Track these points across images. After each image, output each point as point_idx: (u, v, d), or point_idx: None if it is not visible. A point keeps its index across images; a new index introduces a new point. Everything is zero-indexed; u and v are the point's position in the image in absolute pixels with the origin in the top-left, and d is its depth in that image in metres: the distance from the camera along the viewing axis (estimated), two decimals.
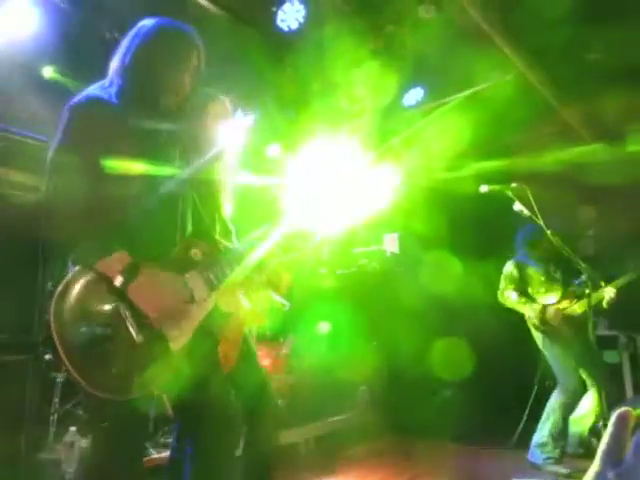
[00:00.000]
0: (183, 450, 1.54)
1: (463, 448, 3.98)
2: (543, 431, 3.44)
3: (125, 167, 1.40)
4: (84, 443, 2.60)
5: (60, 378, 3.26)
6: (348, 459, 3.75)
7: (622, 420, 0.44)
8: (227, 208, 1.87)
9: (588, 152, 5.34)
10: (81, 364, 1.23)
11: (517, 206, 3.28)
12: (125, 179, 1.40)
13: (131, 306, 1.30)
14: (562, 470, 3.25)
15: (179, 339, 1.36)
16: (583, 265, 3.11)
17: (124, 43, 1.60)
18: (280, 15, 3.76)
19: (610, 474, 0.43)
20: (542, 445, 3.42)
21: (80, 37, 3.76)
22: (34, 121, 3.33)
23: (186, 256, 1.45)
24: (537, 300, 3.69)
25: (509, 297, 3.74)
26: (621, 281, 3.66)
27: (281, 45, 4.02)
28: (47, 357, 2.56)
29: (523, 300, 3.68)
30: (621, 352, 4.75)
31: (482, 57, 4.06)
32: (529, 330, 3.68)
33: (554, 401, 3.48)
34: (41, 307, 2.19)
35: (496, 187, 3.26)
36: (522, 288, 3.75)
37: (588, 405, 3.65)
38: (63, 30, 3.69)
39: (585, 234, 5.55)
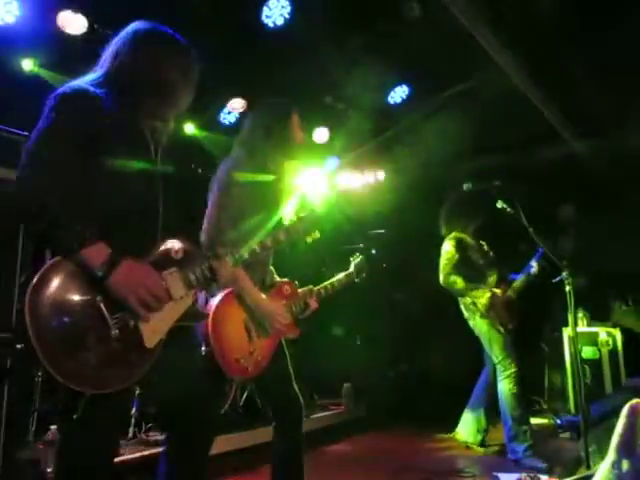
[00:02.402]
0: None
1: (447, 442, 4.02)
2: (507, 425, 3.46)
3: (108, 162, 1.39)
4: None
5: (40, 377, 3.23)
6: (332, 455, 3.77)
7: (635, 412, 0.46)
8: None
9: (570, 151, 5.41)
10: (55, 356, 1.22)
11: (500, 204, 3.33)
12: (108, 174, 1.39)
13: (108, 300, 1.29)
14: (540, 465, 3.26)
15: (154, 336, 1.36)
16: (563, 262, 3.15)
17: (119, 43, 1.56)
18: (265, 11, 3.74)
19: (625, 463, 0.44)
20: (514, 438, 3.43)
21: (62, 30, 3.70)
22: (15, 115, 3.28)
23: (167, 254, 1.45)
24: (478, 284, 3.67)
25: (455, 282, 3.63)
26: (520, 282, 3.73)
27: (266, 41, 4.00)
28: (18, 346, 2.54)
29: (471, 286, 3.64)
30: (600, 348, 4.83)
31: (468, 56, 4.10)
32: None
33: (503, 391, 3.49)
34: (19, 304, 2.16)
35: (479, 185, 3.29)
36: (462, 270, 3.66)
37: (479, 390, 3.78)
38: (45, 22, 3.63)
39: (565, 232, 5.63)
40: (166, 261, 1.44)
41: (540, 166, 5.55)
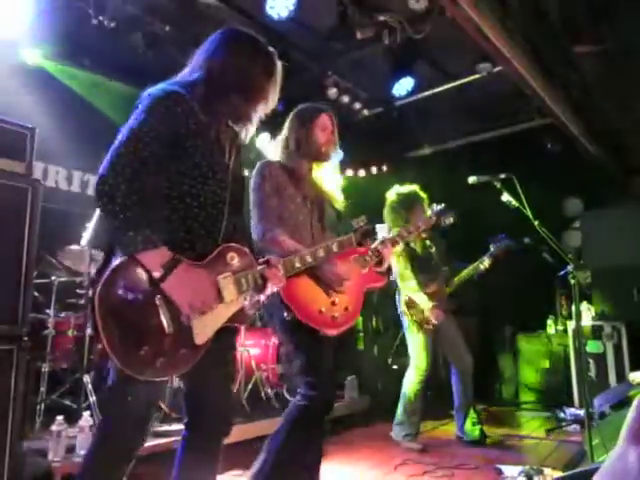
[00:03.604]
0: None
1: (450, 434, 4.03)
2: (399, 410, 3.80)
3: (188, 163, 1.50)
4: (70, 432, 2.61)
5: (46, 368, 3.27)
6: (338, 446, 3.79)
7: None
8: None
9: (577, 144, 5.37)
10: (117, 345, 1.36)
11: (505, 196, 3.31)
12: (185, 175, 1.49)
13: (166, 299, 1.41)
14: (416, 446, 3.66)
15: (204, 334, 1.48)
16: (569, 256, 3.14)
17: (210, 46, 1.61)
18: (269, 2, 3.71)
19: (632, 453, 0.45)
20: (399, 423, 3.79)
21: (67, 21, 3.69)
22: (15, 107, 3.28)
23: (223, 259, 1.55)
24: (417, 279, 3.78)
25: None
26: (460, 279, 3.90)
27: (270, 33, 3.97)
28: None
29: (402, 285, 3.77)
30: (605, 342, 4.82)
31: (473, 48, 4.05)
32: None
33: (407, 382, 3.79)
34: (25, 296, 2.17)
35: (484, 178, 3.27)
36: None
37: (456, 390, 3.87)
38: (50, 14, 3.63)
39: (571, 226, 5.60)
40: (221, 265, 1.53)
41: (545, 159, 5.52)
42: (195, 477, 1.61)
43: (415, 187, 3.92)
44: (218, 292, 1.50)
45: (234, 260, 1.56)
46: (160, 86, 1.51)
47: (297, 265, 1.77)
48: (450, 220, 2.59)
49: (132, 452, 1.50)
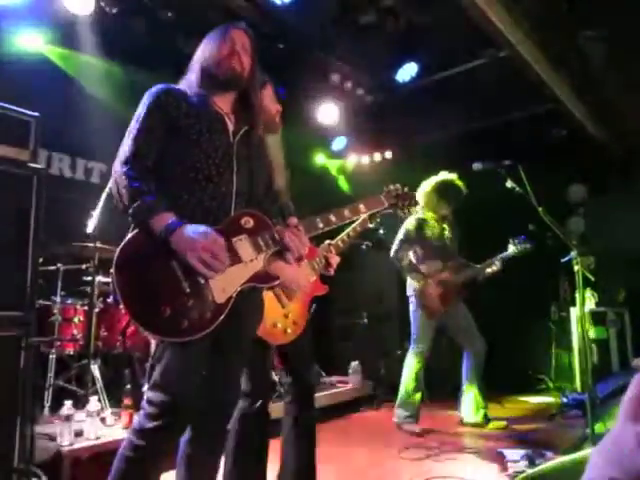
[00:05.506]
0: None
1: (453, 419, 4.07)
2: (400, 392, 3.82)
3: (187, 141, 1.58)
4: (79, 417, 2.64)
5: (53, 354, 3.31)
6: (339, 431, 3.83)
7: None
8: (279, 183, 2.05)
9: (582, 130, 5.33)
10: (137, 309, 1.43)
11: (509, 183, 3.29)
12: (188, 151, 1.58)
13: (182, 262, 1.46)
14: (417, 428, 3.71)
15: (224, 293, 1.51)
16: (574, 242, 3.13)
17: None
18: None
19: (629, 430, 0.45)
20: (400, 405, 3.82)
21: (69, 7, 3.66)
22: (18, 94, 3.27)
23: (237, 223, 1.59)
24: (425, 263, 3.84)
25: (402, 259, 3.83)
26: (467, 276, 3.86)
27: (273, 19, 3.94)
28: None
29: (412, 267, 3.84)
30: (609, 328, 4.83)
31: (477, 33, 4.01)
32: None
33: (407, 364, 3.83)
34: (32, 283, 2.19)
35: (489, 164, 3.26)
36: (415, 247, 3.85)
37: (465, 372, 3.92)
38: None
39: (576, 212, 5.58)
40: (236, 229, 1.58)
41: (551, 145, 5.48)
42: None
43: (452, 177, 3.91)
44: (235, 254, 1.54)
45: (249, 224, 1.59)
46: (155, 85, 1.66)
47: (320, 225, 1.74)
48: (371, 225, 2.57)
49: (185, 423, 1.52)
